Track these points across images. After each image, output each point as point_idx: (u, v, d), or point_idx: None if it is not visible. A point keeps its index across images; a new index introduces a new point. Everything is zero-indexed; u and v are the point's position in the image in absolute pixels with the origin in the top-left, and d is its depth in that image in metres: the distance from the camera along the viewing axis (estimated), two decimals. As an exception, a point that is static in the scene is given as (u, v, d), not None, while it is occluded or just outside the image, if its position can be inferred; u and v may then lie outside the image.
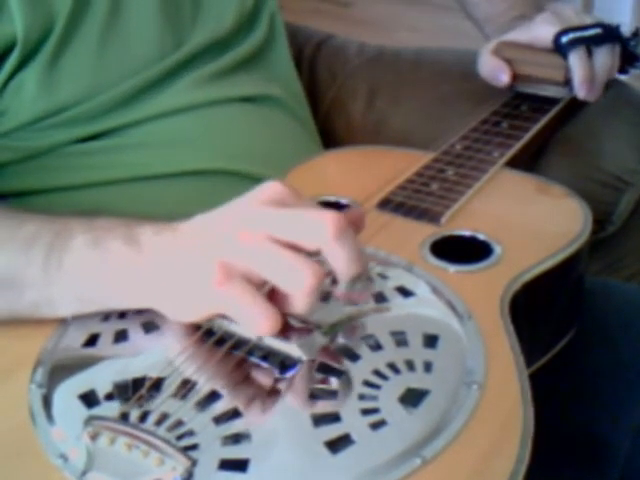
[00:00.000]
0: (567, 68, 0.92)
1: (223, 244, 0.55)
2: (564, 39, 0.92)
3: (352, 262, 0.54)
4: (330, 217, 0.54)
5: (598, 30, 0.93)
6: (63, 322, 0.61)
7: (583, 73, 0.91)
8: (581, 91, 0.92)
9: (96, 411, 0.53)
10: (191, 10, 0.85)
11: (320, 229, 0.54)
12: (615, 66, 0.95)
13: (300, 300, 0.54)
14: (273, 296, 0.56)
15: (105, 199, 0.80)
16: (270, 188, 0.56)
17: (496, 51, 0.96)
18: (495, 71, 0.96)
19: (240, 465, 0.49)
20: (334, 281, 0.58)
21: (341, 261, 0.54)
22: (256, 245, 0.54)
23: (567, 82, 0.93)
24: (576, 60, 0.92)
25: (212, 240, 0.56)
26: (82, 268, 0.59)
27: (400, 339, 0.58)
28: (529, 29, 0.96)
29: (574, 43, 0.92)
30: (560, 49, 0.93)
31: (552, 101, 0.93)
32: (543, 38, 0.94)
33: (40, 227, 0.60)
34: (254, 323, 0.54)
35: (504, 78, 0.95)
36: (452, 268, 0.66)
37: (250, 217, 0.55)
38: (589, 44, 0.92)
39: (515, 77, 0.95)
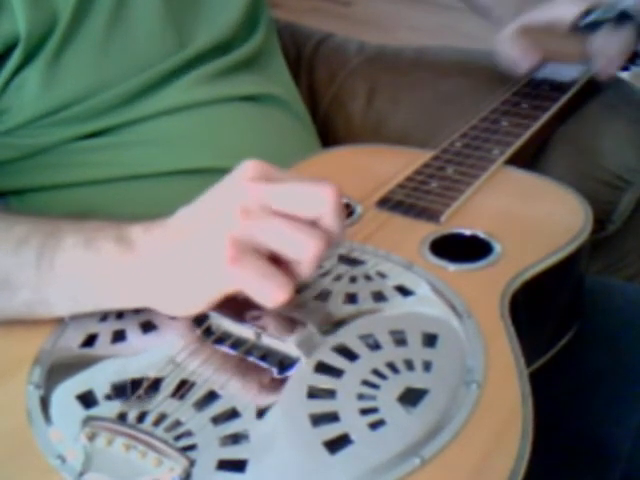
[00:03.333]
0: (589, 47, 0.92)
1: (227, 222, 0.55)
2: (589, 18, 0.92)
3: (344, 229, 0.57)
4: (329, 189, 0.55)
5: (618, 11, 0.93)
6: (61, 323, 0.61)
7: (608, 51, 0.92)
8: (600, 68, 0.93)
9: (94, 411, 0.53)
10: (194, 10, 0.85)
11: (321, 200, 0.55)
12: (631, 48, 0.95)
13: (307, 266, 0.56)
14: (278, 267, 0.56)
15: (106, 196, 0.80)
16: (252, 166, 0.57)
17: (518, 35, 0.95)
18: (519, 59, 0.95)
19: (238, 465, 0.49)
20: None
21: (339, 228, 0.56)
22: (260, 218, 0.55)
23: (584, 61, 0.94)
24: (600, 39, 0.92)
25: (214, 222, 0.56)
26: (74, 269, 0.59)
27: (399, 338, 0.58)
28: (550, 8, 0.95)
29: (598, 23, 0.91)
30: (584, 27, 0.92)
31: (552, 98, 0.92)
32: (565, 17, 0.94)
33: (31, 229, 0.60)
34: (270, 295, 0.55)
35: (525, 65, 0.95)
36: (452, 267, 0.66)
37: (245, 194, 0.55)
38: (610, 24, 0.92)
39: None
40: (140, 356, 0.58)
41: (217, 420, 0.52)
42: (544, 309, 0.70)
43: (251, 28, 0.92)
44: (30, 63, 0.76)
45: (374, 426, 0.51)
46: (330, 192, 0.55)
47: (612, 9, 0.93)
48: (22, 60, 0.75)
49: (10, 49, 0.75)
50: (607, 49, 0.92)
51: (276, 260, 0.56)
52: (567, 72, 0.96)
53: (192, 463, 0.49)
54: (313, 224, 0.55)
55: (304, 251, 0.55)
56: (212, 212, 0.56)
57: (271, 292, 0.54)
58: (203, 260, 0.55)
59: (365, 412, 0.52)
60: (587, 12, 0.93)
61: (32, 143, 0.78)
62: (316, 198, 0.56)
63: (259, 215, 0.55)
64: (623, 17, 0.93)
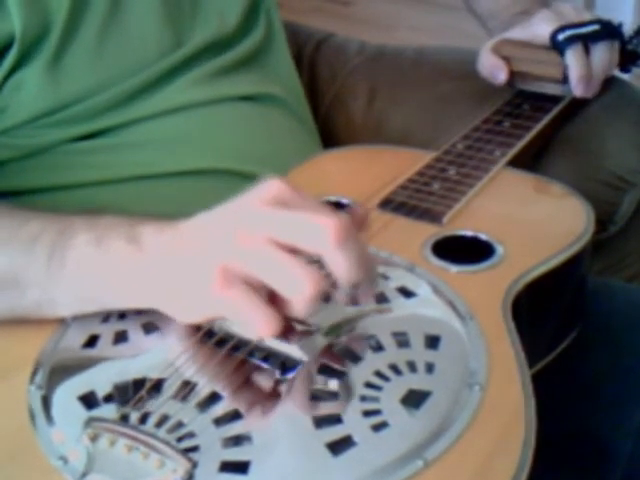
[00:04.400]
0: (564, 65, 0.92)
1: (222, 247, 0.54)
2: (561, 36, 0.92)
3: (353, 269, 0.53)
4: (332, 222, 0.52)
5: (596, 27, 0.93)
6: (63, 323, 0.61)
7: (580, 70, 0.92)
8: (578, 88, 0.92)
9: (96, 412, 0.53)
10: (191, 8, 0.85)
11: (321, 235, 0.52)
12: (614, 63, 0.95)
13: (300, 306, 0.53)
14: (273, 298, 0.54)
15: (104, 198, 0.79)
16: (273, 186, 0.54)
17: (495, 49, 0.96)
18: (493, 69, 0.96)
19: (241, 467, 0.49)
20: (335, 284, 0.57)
21: (342, 268, 0.53)
22: (256, 248, 0.53)
23: (565, 79, 0.93)
24: (572, 57, 0.92)
25: (211, 242, 0.55)
26: (84, 267, 0.58)
27: (402, 340, 0.58)
28: (528, 26, 0.96)
29: (571, 40, 0.92)
30: (557, 46, 0.93)
31: (554, 100, 0.92)
32: (541, 35, 0.94)
33: (43, 226, 0.60)
34: (255, 327, 0.54)
35: (501, 76, 0.95)
36: (454, 268, 0.65)
37: (251, 217, 0.54)
38: (586, 41, 0.92)
39: (514, 75, 0.95)
40: (142, 357, 0.58)
41: (219, 422, 0.52)
42: (546, 311, 0.70)
43: (250, 25, 0.92)
44: (28, 64, 0.75)
45: (377, 428, 0.51)
46: (333, 227, 0.52)
47: (588, 25, 0.93)
48: (18, 60, 0.75)
49: (5, 49, 0.74)
50: (582, 69, 0.92)
51: (272, 293, 0.54)
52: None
53: (194, 464, 0.49)
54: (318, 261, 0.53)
55: (297, 291, 0.52)
56: (216, 229, 0.55)
57: (255, 326, 0.53)
58: (195, 279, 0.55)
59: (368, 414, 0.52)
60: (562, 28, 0.93)
61: (30, 144, 0.78)
62: (317, 233, 0.52)
63: (258, 244, 0.53)
64: (600, 33, 0.93)
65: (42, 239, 0.59)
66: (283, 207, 0.54)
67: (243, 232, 0.53)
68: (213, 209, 0.57)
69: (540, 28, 0.95)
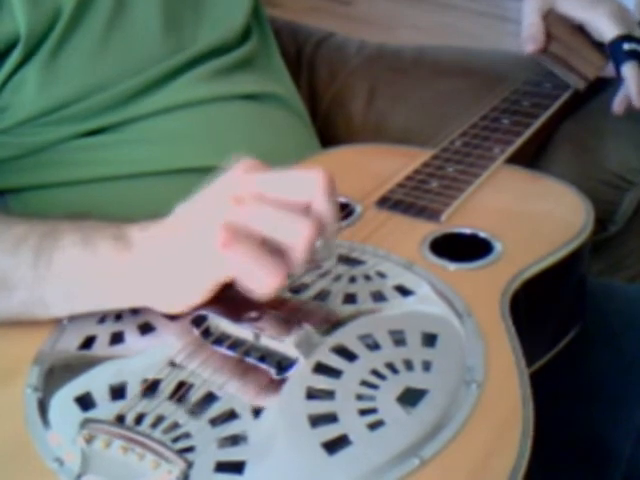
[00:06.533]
0: (601, 69, 0.91)
1: (220, 210, 0.56)
2: (626, 46, 0.90)
3: (337, 214, 0.57)
4: (320, 171, 0.56)
5: None
6: (59, 324, 0.60)
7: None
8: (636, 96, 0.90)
9: (92, 414, 0.53)
10: (196, 12, 0.85)
11: (311, 183, 0.56)
12: None
13: (299, 252, 0.55)
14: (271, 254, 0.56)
15: (105, 195, 0.79)
16: (245, 162, 0.58)
17: (545, 18, 0.93)
18: (530, 37, 0.93)
19: (236, 467, 0.49)
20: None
21: (331, 213, 0.56)
22: (251, 205, 0.56)
23: (590, 80, 0.92)
24: (635, 71, 0.90)
25: (207, 212, 0.57)
26: (72, 268, 0.59)
27: (399, 338, 0.57)
28: (591, 9, 0.92)
29: (634, 54, 0.90)
30: (616, 52, 0.90)
31: (553, 96, 0.92)
32: (599, 30, 0.91)
33: (29, 228, 0.60)
34: (263, 280, 0.55)
35: (532, 48, 0.93)
36: (452, 266, 0.65)
37: (236, 185, 0.57)
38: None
39: (546, 49, 0.93)
40: (138, 358, 0.58)
41: (215, 422, 0.52)
42: (545, 309, 0.69)
43: (249, 29, 0.92)
44: (29, 62, 0.75)
45: (373, 427, 0.51)
46: (319, 175, 0.56)
47: None
48: (21, 59, 0.75)
49: (10, 48, 0.75)
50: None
51: (270, 249, 0.56)
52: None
53: (190, 465, 0.49)
54: (306, 211, 0.56)
55: (295, 236, 0.55)
56: (206, 205, 0.57)
57: (263, 277, 0.55)
58: (196, 248, 0.56)
59: (364, 413, 0.52)
60: (628, 38, 0.90)
61: (31, 141, 0.78)
62: (306, 182, 0.56)
63: (251, 202, 0.55)
64: None
65: (27, 241, 0.60)
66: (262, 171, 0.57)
67: (234, 196, 0.56)
68: (192, 197, 0.59)
69: (603, 23, 0.91)
